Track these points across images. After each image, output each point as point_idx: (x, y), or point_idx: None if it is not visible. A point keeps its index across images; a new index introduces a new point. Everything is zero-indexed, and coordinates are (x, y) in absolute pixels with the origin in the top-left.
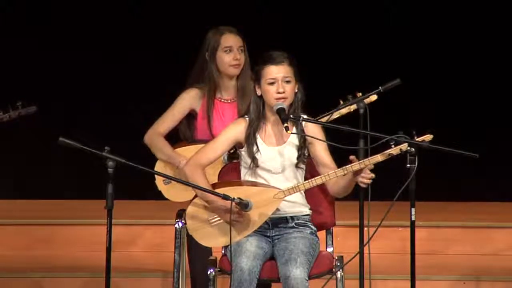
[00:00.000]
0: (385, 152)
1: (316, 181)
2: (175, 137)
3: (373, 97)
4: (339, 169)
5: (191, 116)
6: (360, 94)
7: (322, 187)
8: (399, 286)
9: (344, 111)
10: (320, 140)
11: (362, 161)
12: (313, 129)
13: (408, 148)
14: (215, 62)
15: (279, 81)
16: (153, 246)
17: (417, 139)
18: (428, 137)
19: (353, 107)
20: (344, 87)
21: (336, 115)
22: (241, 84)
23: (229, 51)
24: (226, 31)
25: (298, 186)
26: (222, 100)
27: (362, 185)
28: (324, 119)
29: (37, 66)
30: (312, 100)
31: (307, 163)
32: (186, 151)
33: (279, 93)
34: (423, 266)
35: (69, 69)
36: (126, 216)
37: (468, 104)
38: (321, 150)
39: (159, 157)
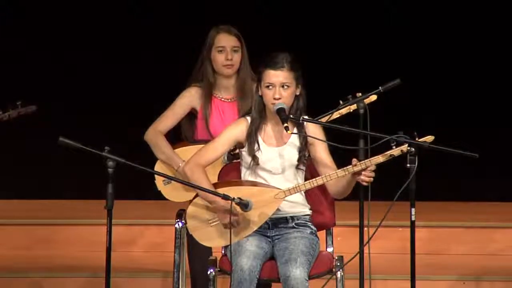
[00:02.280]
0: (386, 153)
1: (317, 181)
2: (177, 137)
3: (373, 97)
4: (339, 170)
5: (192, 115)
6: (360, 94)
7: (322, 187)
8: (399, 286)
9: (344, 111)
10: (320, 140)
11: (363, 161)
12: (313, 130)
13: (408, 148)
14: (210, 60)
15: (276, 86)
16: (153, 246)
17: (417, 140)
18: (429, 139)
19: (353, 107)
20: (344, 87)
21: (336, 115)
22: (239, 85)
23: (222, 51)
24: (222, 31)
25: (298, 186)
26: (223, 99)
27: (363, 183)
28: (323, 120)
29: (37, 66)
30: (312, 100)
31: (308, 163)
32: (186, 152)
33: (275, 98)
34: (423, 266)
35: (69, 69)
36: (126, 216)
37: (468, 104)
38: (321, 151)
39: (159, 157)
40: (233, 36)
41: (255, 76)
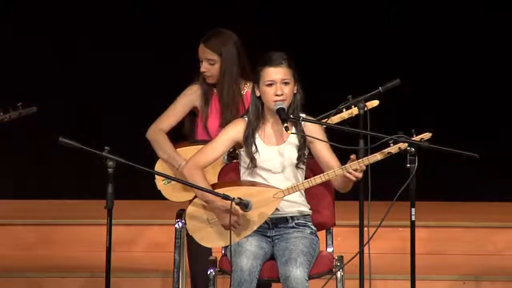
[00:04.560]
0: (384, 150)
1: (316, 180)
2: (178, 136)
3: (375, 102)
4: (338, 168)
5: (195, 114)
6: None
7: (322, 187)
8: (399, 286)
9: (345, 115)
10: (319, 139)
11: (361, 160)
12: (313, 129)
13: (408, 148)
14: None
15: (277, 83)
16: (153, 246)
17: (416, 137)
18: (427, 135)
19: (355, 111)
20: (344, 87)
21: (337, 119)
22: (219, 97)
23: (201, 61)
24: (201, 42)
25: (297, 185)
26: None
27: (352, 178)
28: (323, 120)
29: (37, 66)
30: (312, 100)
31: (309, 161)
32: (186, 152)
33: (277, 95)
34: (423, 266)
35: (69, 69)
36: (126, 216)
37: (468, 104)
38: (322, 149)
39: (160, 155)
40: (208, 50)
41: (239, 87)
